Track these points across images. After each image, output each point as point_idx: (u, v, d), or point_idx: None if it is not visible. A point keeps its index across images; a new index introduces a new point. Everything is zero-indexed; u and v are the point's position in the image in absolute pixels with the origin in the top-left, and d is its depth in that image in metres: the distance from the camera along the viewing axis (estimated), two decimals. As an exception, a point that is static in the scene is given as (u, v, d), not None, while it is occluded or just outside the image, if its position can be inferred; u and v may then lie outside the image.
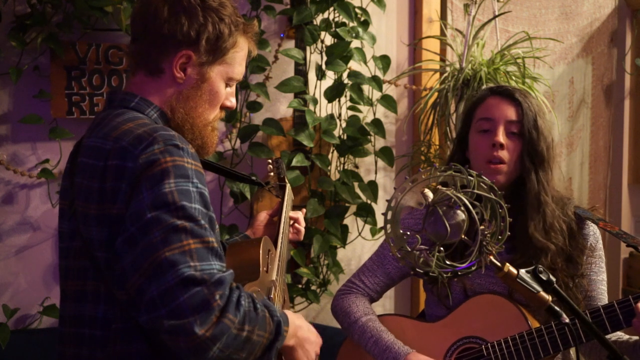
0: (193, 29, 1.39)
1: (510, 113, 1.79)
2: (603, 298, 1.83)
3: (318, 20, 2.69)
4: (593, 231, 1.84)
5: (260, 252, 1.58)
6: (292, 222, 1.93)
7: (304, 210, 2.03)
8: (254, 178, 1.92)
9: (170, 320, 1.18)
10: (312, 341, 1.49)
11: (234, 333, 1.22)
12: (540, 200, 1.77)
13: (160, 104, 1.43)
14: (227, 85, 1.48)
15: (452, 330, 1.80)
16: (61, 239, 1.43)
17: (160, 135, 1.30)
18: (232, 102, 1.51)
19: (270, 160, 2.03)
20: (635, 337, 1.73)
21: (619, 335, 1.77)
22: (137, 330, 1.31)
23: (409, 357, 1.76)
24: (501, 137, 1.77)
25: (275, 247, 1.74)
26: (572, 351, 1.85)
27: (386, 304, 3.11)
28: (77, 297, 1.37)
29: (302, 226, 1.94)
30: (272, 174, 2.01)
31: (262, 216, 1.92)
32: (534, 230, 1.75)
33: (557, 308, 1.26)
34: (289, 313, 1.42)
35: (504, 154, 1.77)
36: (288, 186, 1.96)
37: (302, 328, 1.46)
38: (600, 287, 1.83)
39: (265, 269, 1.59)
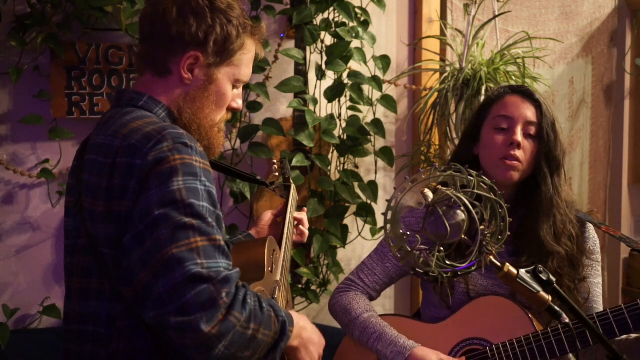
0: (201, 30, 1.40)
1: (530, 114, 1.78)
2: (599, 300, 1.83)
3: (318, 20, 2.69)
4: (592, 234, 1.85)
5: (266, 252, 1.59)
6: (296, 222, 1.93)
7: (305, 209, 2.03)
8: (259, 178, 1.92)
9: (177, 317, 1.19)
10: (316, 342, 1.49)
11: (240, 331, 1.23)
12: (553, 205, 1.76)
13: (168, 103, 1.43)
14: (234, 86, 1.49)
15: (455, 331, 1.78)
16: (66, 236, 1.43)
17: (169, 133, 1.30)
18: (238, 103, 1.52)
19: (275, 161, 2.04)
20: (634, 335, 1.73)
21: None
22: (141, 328, 1.32)
23: (415, 351, 1.73)
24: (519, 137, 1.76)
25: (280, 247, 1.74)
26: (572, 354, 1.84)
27: (386, 303, 3.11)
28: (81, 294, 1.37)
29: (306, 227, 1.95)
30: (277, 174, 2.01)
31: (267, 216, 1.92)
32: (545, 234, 1.74)
33: (557, 308, 1.26)
34: (293, 313, 1.43)
35: (520, 154, 1.76)
36: (293, 187, 1.97)
37: (306, 329, 1.46)
38: (597, 289, 1.83)
39: (270, 269, 1.59)
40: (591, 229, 1.85)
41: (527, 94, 1.81)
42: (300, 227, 1.94)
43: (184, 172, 1.27)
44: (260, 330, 1.27)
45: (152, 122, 1.34)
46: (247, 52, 1.48)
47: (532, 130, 1.78)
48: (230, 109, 1.50)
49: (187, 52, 1.41)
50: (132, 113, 1.38)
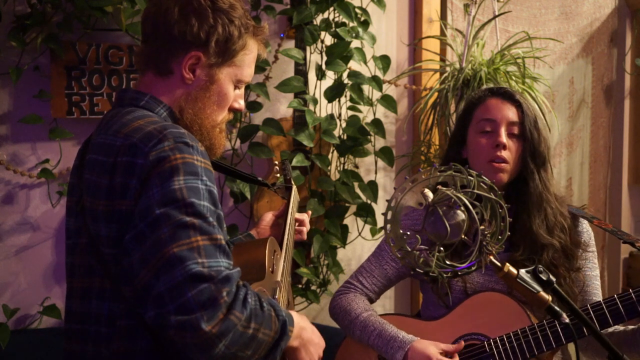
0: (203, 31, 1.40)
1: (512, 114, 1.83)
2: (598, 293, 1.86)
3: (318, 20, 2.69)
4: (586, 228, 1.89)
5: (266, 252, 1.59)
6: (297, 223, 1.93)
7: (310, 212, 2.04)
8: (260, 179, 1.93)
9: (177, 315, 1.19)
10: (316, 343, 1.49)
11: (240, 330, 1.23)
12: (543, 199, 1.81)
13: (169, 103, 1.44)
14: (235, 87, 1.49)
15: (454, 328, 1.81)
16: (68, 236, 1.44)
17: (170, 132, 1.30)
18: (240, 104, 1.52)
19: (277, 162, 2.04)
20: (631, 327, 1.76)
21: (615, 326, 1.78)
22: (142, 328, 1.32)
23: (414, 345, 1.76)
24: (504, 138, 1.81)
25: (281, 248, 1.74)
26: (572, 350, 1.86)
27: (386, 304, 3.11)
28: (83, 294, 1.37)
29: (307, 228, 1.95)
30: (278, 175, 2.02)
31: (268, 217, 1.92)
32: (538, 228, 1.79)
33: (557, 308, 1.26)
34: (294, 314, 1.43)
35: (506, 154, 1.81)
36: (294, 188, 1.97)
37: (306, 330, 1.46)
38: (595, 282, 1.87)
39: (270, 269, 1.60)
40: (584, 223, 1.89)
41: (507, 95, 1.86)
42: (300, 227, 1.94)
43: (184, 171, 1.27)
44: (261, 330, 1.28)
45: (153, 121, 1.35)
46: (249, 53, 1.48)
47: (516, 129, 1.83)
48: (232, 110, 1.51)
49: (188, 52, 1.41)
50: (133, 112, 1.38)
